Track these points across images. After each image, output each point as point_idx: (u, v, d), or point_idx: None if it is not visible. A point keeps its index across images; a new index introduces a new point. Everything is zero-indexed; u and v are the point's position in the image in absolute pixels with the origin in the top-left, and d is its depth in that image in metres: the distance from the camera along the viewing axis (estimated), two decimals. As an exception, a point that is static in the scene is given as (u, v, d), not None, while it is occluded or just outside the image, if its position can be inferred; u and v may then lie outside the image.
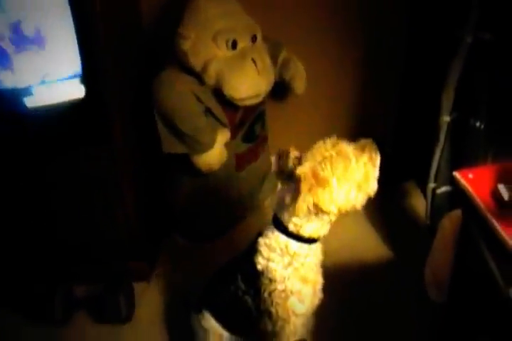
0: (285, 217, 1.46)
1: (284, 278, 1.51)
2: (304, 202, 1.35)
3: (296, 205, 1.36)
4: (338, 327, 2.02)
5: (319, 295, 1.62)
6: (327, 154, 1.38)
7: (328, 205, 1.37)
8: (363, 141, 1.45)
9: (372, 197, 1.45)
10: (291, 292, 1.53)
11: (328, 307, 1.72)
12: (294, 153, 1.45)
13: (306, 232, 1.46)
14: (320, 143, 1.42)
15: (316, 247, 1.53)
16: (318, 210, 1.38)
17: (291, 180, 1.41)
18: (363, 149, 1.43)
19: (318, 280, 1.60)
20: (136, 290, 2.23)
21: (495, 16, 1.72)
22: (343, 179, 1.38)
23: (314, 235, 1.47)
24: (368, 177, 1.42)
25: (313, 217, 1.43)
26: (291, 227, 1.46)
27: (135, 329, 2.13)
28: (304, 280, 1.54)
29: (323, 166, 1.36)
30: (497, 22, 1.72)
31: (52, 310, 2.12)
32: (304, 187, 1.35)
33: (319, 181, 1.36)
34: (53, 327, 2.14)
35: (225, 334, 1.76)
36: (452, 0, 1.93)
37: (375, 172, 1.44)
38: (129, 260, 2.29)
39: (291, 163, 1.44)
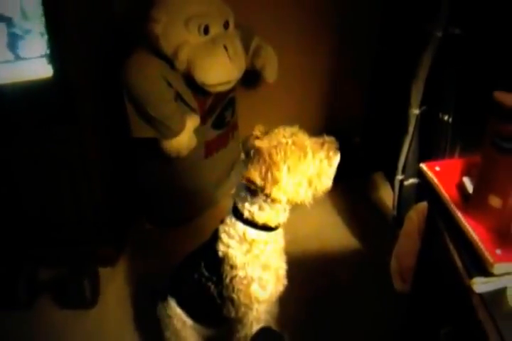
0: (241, 203, 1.46)
1: (245, 265, 1.51)
2: (256, 170, 1.33)
3: (248, 171, 1.33)
4: (303, 315, 2.04)
5: (283, 281, 1.62)
6: (283, 140, 1.36)
7: (276, 192, 1.36)
8: (325, 138, 1.42)
9: (324, 195, 1.43)
10: (252, 278, 1.53)
11: (294, 295, 1.75)
12: (259, 128, 1.43)
13: (260, 219, 1.46)
14: (280, 129, 1.40)
15: (276, 234, 1.52)
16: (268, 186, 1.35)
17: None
18: (322, 145, 1.40)
19: (280, 266, 1.60)
20: (101, 275, 2.22)
21: (465, 12, 1.75)
22: (294, 169, 1.36)
23: (270, 223, 1.47)
24: (321, 174, 1.40)
25: (264, 205, 1.43)
26: (246, 214, 1.46)
27: (99, 315, 2.12)
28: (265, 266, 1.54)
29: (278, 151, 1.35)
30: (467, 17, 1.75)
31: (16, 293, 2.10)
32: (257, 157, 1.34)
33: (272, 162, 1.34)
34: (16, 310, 2.11)
35: (189, 321, 1.76)
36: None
37: (331, 172, 1.41)
38: (96, 244, 2.27)
39: (253, 139, 1.40)
